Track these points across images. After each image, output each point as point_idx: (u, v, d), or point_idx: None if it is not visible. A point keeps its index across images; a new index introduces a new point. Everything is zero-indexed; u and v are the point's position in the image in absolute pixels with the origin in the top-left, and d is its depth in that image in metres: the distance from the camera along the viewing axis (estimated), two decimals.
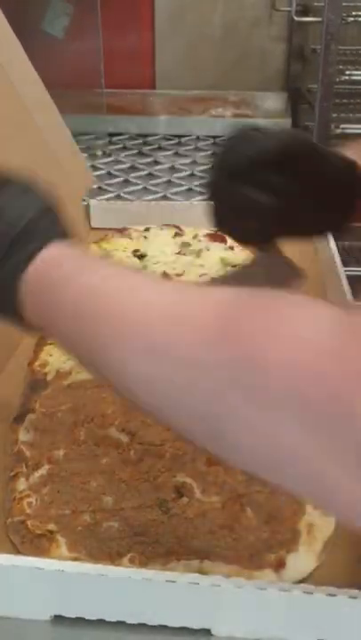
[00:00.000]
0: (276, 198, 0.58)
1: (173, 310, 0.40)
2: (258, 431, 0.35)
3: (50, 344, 0.84)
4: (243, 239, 0.69)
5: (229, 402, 0.36)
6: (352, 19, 1.54)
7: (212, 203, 0.61)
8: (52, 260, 0.47)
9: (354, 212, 0.63)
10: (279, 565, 0.55)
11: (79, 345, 0.45)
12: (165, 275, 1.01)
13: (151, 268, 1.04)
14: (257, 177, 0.58)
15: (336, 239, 0.99)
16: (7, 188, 0.51)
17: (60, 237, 0.49)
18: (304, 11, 1.74)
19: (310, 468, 0.34)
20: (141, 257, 1.08)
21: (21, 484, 0.64)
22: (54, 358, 0.81)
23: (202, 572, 0.54)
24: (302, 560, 0.56)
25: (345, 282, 0.88)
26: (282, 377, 0.34)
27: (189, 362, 0.38)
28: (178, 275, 1.02)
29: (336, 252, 0.95)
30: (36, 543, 0.58)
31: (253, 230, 0.62)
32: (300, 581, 0.54)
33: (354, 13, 1.55)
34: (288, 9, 1.70)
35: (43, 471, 0.65)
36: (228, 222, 0.63)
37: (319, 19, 1.40)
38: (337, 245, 0.99)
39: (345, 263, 0.93)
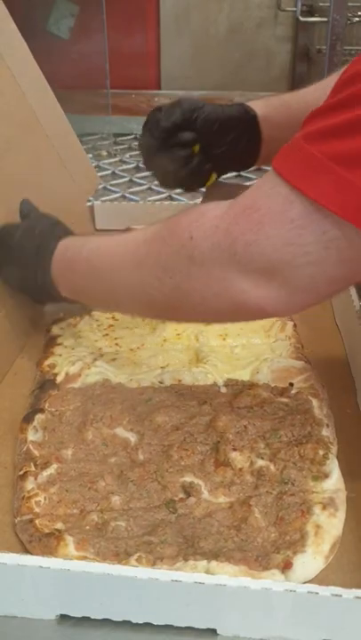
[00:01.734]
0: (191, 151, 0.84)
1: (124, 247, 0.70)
2: (201, 281, 0.60)
3: (59, 345, 0.84)
4: (187, 189, 0.94)
5: (180, 271, 0.61)
6: (357, 19, 1.55)
7: (152, 171, 0.90)
8: (65, 245, 0.76)
9: (258, 151, 0.85)
10: (286, 566, 0.55)
11: (93, 288, 0.74)
12: None
13: None
14: (174, 139, 0.83)
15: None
16: (32, 214, 0.85)
17: (68, 235, 0.80)
18: (309, 11, 1.74)
19: (232, 290, 0.58)
20: None
21: (30, 483, 0.64)
22: (63, 359, 0.81)
23: (209, 572, 0.54)
24: (310, 561, 0.56)
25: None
26: (203, 246, 0.58)
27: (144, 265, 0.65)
28: None
29: None
30: (44, 542, 0.58)
31: (187, 178, 0.87)
32: (308, 583, 0.54)
33: (359, 13, 1.55)
34: (293, 9, 1.70)
35: (51, 470, 0.65)
36: (165, 181, 0.93)
37: (325, 19, 1.40)
38: None
39: None
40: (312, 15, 1.74)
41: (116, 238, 0.71)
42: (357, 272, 0.55)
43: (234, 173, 0.95)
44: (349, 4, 1.38)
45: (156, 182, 1.44)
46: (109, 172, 1.51)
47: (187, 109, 0.84)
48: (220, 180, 0.91)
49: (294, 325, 0.86)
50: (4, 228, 0.81)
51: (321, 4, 1.70)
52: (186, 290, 0.61)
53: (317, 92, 0.64)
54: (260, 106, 0.86)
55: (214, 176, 0.89)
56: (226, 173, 0.92)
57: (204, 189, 0.92)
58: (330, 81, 0.63)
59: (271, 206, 0.54)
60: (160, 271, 0.63)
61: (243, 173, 1.18)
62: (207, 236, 0.58)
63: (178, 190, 1.39)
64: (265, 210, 0.55)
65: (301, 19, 1.65)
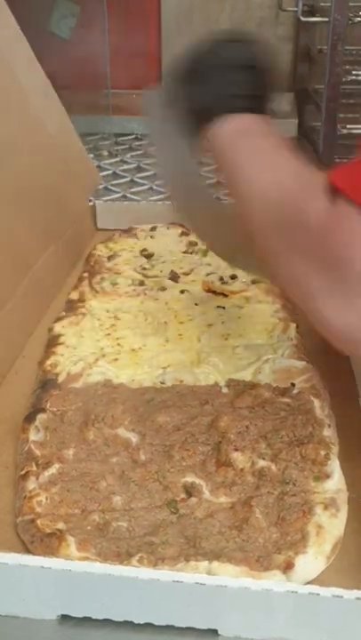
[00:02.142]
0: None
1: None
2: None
3: (61, 344, 0.84)
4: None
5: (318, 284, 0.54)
6: (359, 19, 1.54)
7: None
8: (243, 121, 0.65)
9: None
10: (288, 567, 0.55)
11: (232, 176, 0.64)
12: (174, 273, 1.01)
13: (159, 266, 1.05)
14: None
15: None
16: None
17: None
18: (310, 11, 1.74)
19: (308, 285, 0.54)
20: (149, 256, 1.08)
21: (31, 483, 0.64)
22: (65, 358, 0.81)
23: (210, 573, 0.54)
24: (311, 562, 0.56)
25: None
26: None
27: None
28: (185, 273, 1.02)
29: None
30: (45, 542, 0.58)
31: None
32: (309, 583, 0.54)
33: None
34: (294, 9, 1.70)
35: (53, 470, 0.65)
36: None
37: (326, 19, 1.40)
38: None
39: None
40: (313, 15, 1.73)
41: (279, 160, 0.63)
42: None
43: None
44: (351, 3, 1.38)
45: (157, 182, 1.45)
46: (110, 172, 1.51)
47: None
48: None
49: (297, 326, 0.86)
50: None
51: (322, 4, 1.69)
52: (297, 280, 0.56)
53: None
54: None
55: None
56: None
57: None
58: None
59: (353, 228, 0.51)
60: (289, 247, 0.57)
61: None
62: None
63: None
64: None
65: (303, 19, 1.64)
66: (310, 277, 0.54)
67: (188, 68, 0.69)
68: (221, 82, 0.66)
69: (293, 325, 0.86)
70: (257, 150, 0.64)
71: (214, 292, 0.96)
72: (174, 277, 1.00)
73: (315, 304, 0.55)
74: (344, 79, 1.42)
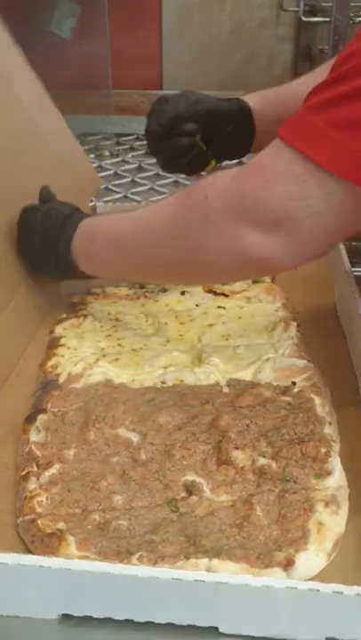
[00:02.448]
0: (193, 139, 0.91)
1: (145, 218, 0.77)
2: (214, 237, 0.67)
3: (62, 345, 0.84)
4: (188, 174, 1.01)
5: (195, 229, 0.68)
6: (360, 19, 1.54)
7: (156, 157, 0.96)
8: (86, 223, 0.82)
9: (252, 141, 0.93)
10: (288, 564, 0.55)
11: (113, 258, 0.80)
12: None
13: None
14: (178, 128, 0.90)
15: (344, 241, 1.00)
16: (51, 201, 0.88)
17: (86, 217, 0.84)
18: (312, 11, 1.74)
19: (242, 243, 0.66)
20: None
21: (32, 483, 0.64)
22: (66, 359, 0.81)
23: (211, 570, 0.54)
24: (312, 559, 0.56)
25: (353, 283, 0.88)
26: (217, 204, 0.67)
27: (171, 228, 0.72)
28: None
29: (345, 253, 0.96)
30: (46, 542, 0.58)
31: (186, 165, 0.94)
32: (310, 580, 0.54)
33: None
34: (296, 9, 1.70)
35: (53, 470, 0.65)
36: (168, 166, 0.98)
37: (327, 19, 1.40)
38: (346, 247, 0.99)
39: (353, 264, 0.93)
40: (314, 15, 1.74)
41: (134, 211, 0.79)
42: (353, 224, 0.65)
43: (235, 161, 1.03)
44: (352, 3, 1.38)
45: (158, 182, 1.45)
46: (111, 172, 1.51)
47: (191, 102, 0.91)
48: (219, 166, 0.99)
49: (298, 325, 0.86)
50: (28, 208, 0.87)
51: (323, 4, 1.69)
52: (201, 247, 0.69)
53: (308, 82, 0.68)
54: (255, 100, 0.94)
55: (214, 162, 0.97)
56: (224, 160, 0.99)
57: (204, 173, 0.98)
58: (321, 71, 0.74)
59: (277, 166, 0.63)
60: (176, 231, 0.71)
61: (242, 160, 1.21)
62: (220, 195, 0.67)
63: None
64: (271, 169, 0.64)
65: (304, 19, 1.64)
66: (240, 236, 0.66)
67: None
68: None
69: (294, 324, 0.86)
70: (115, 222, 0.81)
71: (215, 293, 0.96)
72: None
73: (251, 250, 0.66)
74: None
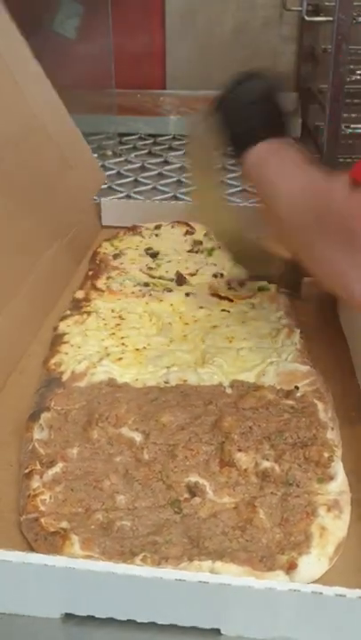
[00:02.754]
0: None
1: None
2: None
3: (65, 343, 0.85)
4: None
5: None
6: None
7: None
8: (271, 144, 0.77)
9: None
10: (291, 567, 0.55)
11: (265, 187, 0.76)
12: (180, 275, 1.01)
13: (164, 266, 1.05)
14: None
15: None
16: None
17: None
18: (315, 10, 1.73)
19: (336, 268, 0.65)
20: (154, 255, 1.08)
21: (35, 482, 0.64)
22: (70, 357, 0.82)
23: (213, 573, 0.54)
24: (314, 563, 0.56)
25: None
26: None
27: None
28: (191, 274, 1.02)
29: None
30: (49, 541, 0.58)
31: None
32: (312, 584, 0.54)
33: None
34: (299, 9, 1.69)
35: (57, 469, 0.65)
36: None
37: (330, 18, 1.39)
38: None
39: None
40: (318, 15, 1.73)
41: (300, 173, 0.74)
42: None
43: None
44: (355, 3, 1.37)
45: (161, 182, 1.45)
46: (114, 171, 1.51)
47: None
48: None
49: (301, 332, 0.86)
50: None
51: (326, 4, 1.69)
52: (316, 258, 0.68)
53: None
54: None
55: None
56: None
57: None
58: None
59: None
60: (317, 236, 0.67)
61: None
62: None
63: (184, 190, 1.40)
64: None
65: (307, 18, 1.64)
66: (338, 257, 0.65)
67: (219, 106, 0.82)
68: (245, 117, 0.79)
69: (298, 331, 0.86)
70: (281, 164, 0.76)
71: (220, 297, 0.96)
72: (180, 280, 1.00)
73: (343, 279, 0.65)
74: (348, 79, 1.41)
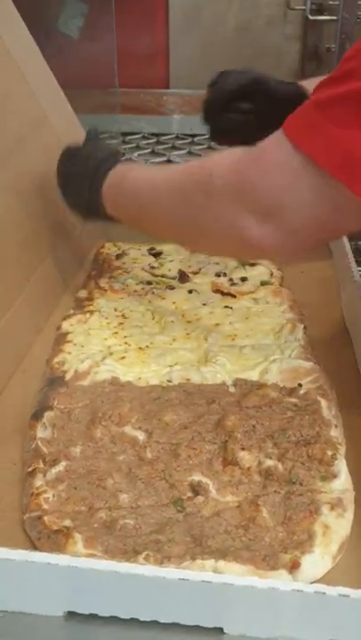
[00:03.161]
0: (247, 118, 0.90)
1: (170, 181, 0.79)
2: (213, 214, 0.70)
3: (68, 342, 0.85)
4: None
5: (197, 204, 0.71)
6: None
7: (208, 126, 0.94)
8: (118, 170, 0.85)
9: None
10: (294, 566, 0.55)
11: (133, 206, 0.82)
12: (182, 273, 1.01)
13: (167, 265, 1.05)
14: (234, 105, 0.90)
15: (350, 240, 1.00)
16: (97, 139, 0.94)
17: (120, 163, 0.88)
18: (319, 9, 1.74)
19: (237, 224, 0.68)
20: (157, 254, 1.08)
21: (38, 480, 0.64)
22: (73, 356, 0.82)
23: (217, 571, 0.54)
24: (317, 561, 0.56)
25: (359, 282, 0.88)
26: (219, 183, 0.69)
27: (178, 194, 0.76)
28: (194, 272, 1.02)
29: (351, 252, 0.96)
30: (52, 539, 0.58)
31: (238, 141, 0.88)
32: (315, 583, 0.54)
33: None
34: (303, 7, 1.70)
35: (60, 467, 0.65)
36: (216, 137, 0.97)
37: (334, 17, 1.40)
38: (351, 246, 0.99)
39: (359, 263, 0.94)
40: (321, 14, 1.74)
41: (157, 167, 0.88)
42: (346, 220, 0.66)
43: None
44: (359, 2, 1.38)
45: None
46: None
47: (252, 79, 0.92)
48: None
49: (304, 328, 0.86)
50: (73, 146, 0.92)
51: (330, 3, 1.69)
52: (200, 220, 0.72)
53: None
54: (312, 86, 0.95)
55: None
56: None
57: None
58: None
59: (277, 157, 0.65)
60: (182, 201, 0.74)
61: None
62: (223, 176, 0.69)
63: None
64: (271, 159, 0.66)
65: (311, 17, 1.64)
66: (228, 215, 0.69)
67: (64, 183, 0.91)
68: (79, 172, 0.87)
69: (301, 326, 0.86)
70: (145, 169, 0.84)
71: (222, 293, 0.96)
72: (183, 278, 1.00)
73: (244, 233, 0.68)
74: None
